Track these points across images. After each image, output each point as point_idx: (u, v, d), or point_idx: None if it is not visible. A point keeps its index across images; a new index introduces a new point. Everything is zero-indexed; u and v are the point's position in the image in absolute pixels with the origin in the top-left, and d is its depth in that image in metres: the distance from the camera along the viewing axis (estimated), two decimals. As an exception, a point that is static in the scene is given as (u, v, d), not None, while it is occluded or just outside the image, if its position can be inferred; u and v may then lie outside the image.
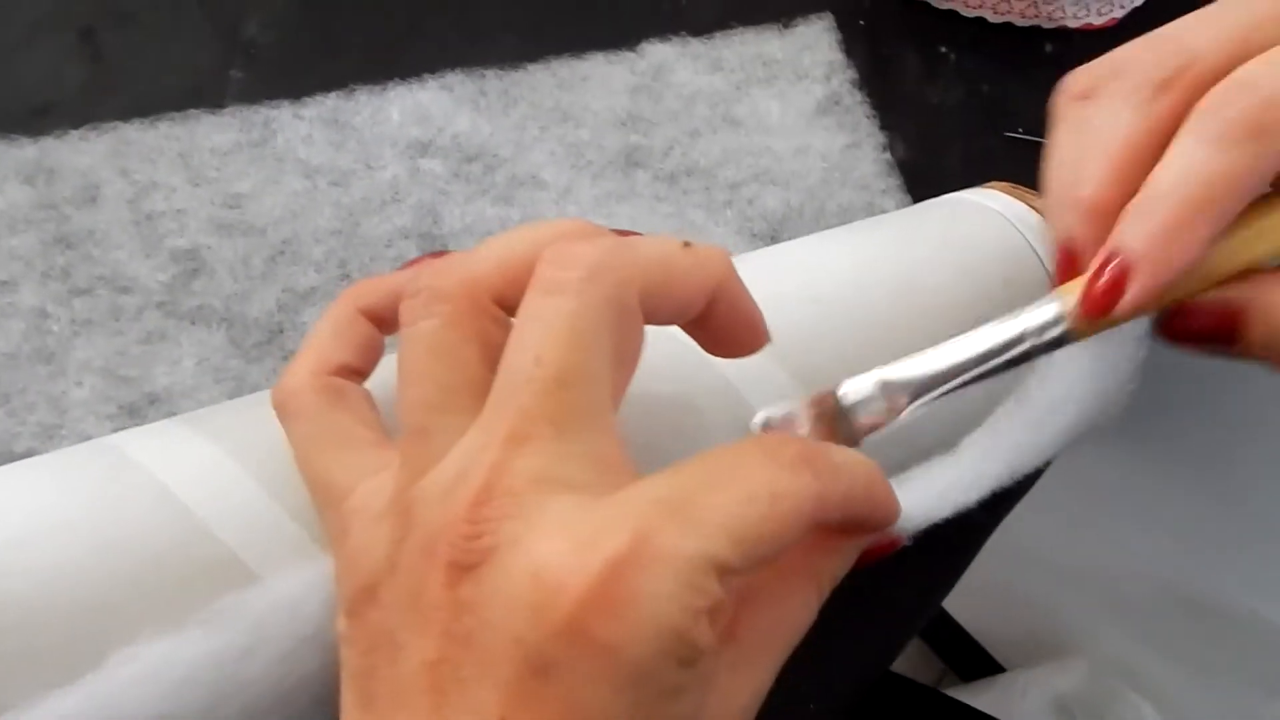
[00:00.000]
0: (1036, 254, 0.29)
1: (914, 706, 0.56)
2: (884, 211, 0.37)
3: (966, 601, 0.85)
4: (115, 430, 0.30)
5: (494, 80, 0.37)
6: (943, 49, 0.41)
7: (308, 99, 0.35)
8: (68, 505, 0.22)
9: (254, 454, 0.23)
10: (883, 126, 0.39)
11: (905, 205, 0.38)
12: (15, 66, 0.34)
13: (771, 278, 0.27)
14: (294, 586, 0.22)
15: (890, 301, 0.27)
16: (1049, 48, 0.41)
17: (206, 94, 0.35)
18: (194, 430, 0.23)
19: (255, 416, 0.23)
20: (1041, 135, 0.40)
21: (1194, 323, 0.23)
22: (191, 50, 0.36)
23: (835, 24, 0.41)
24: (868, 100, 0.39)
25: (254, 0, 0.37)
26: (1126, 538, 0.66)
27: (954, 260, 0.29)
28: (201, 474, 0.23)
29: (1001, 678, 0.81)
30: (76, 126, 0.33)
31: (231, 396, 0.31)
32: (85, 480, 0.23)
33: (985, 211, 0.30)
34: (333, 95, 0.35)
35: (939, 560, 0.34)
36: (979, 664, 0.88)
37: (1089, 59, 0.25)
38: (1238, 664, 0.65)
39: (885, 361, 0.23)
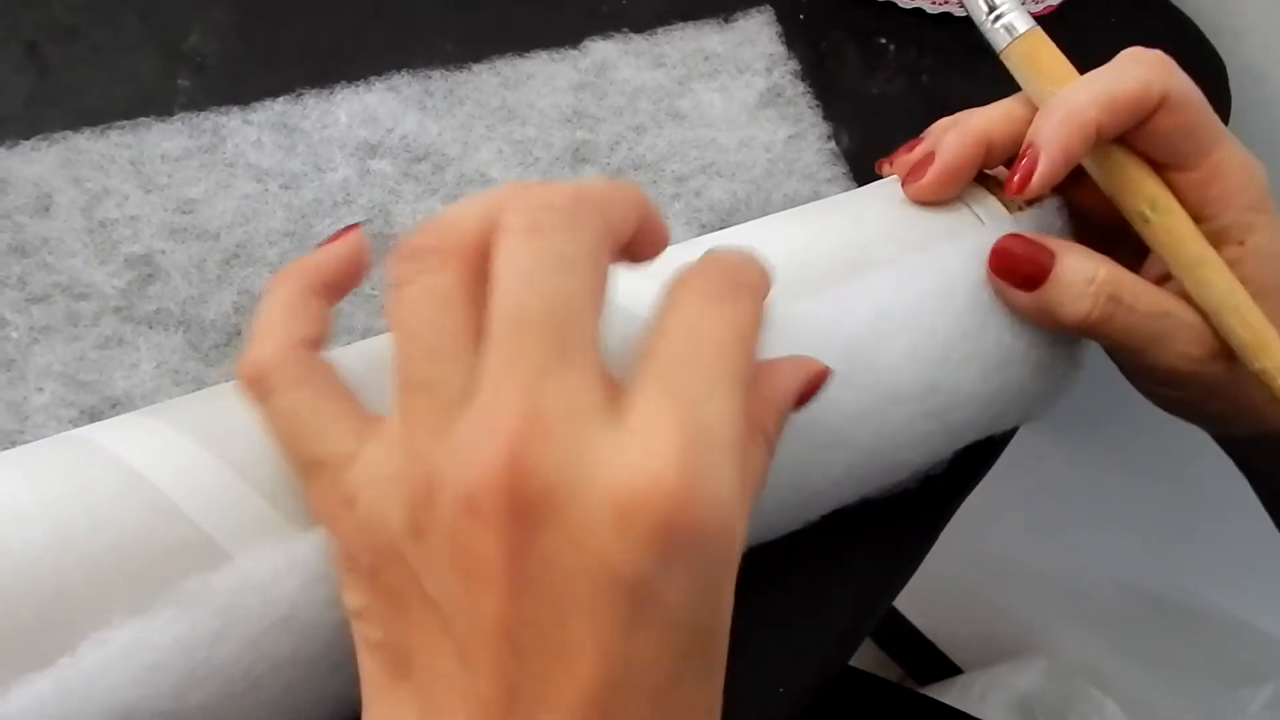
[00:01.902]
0: (977, 216, 0.30)
1: (881, 702, 0.57)
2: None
3: (923, 605, 0.86)
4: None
5: (439, 81, 0.38)
6: (882, 40, 0.42)
7: (256, 104, 0.36)
8: (36, 492, 0.22)
9: (221, 437, 0.23)
10: (826, 117, 0.40)
11: (840, 190, 0.39)
12: (-38, 80, 0.35)
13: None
14: (264, 567, 0.22)
15: (838, 270, 0.28)
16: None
17: (154, 104, 0.35)
18: (159, 419, 0.23)
19: (220, 404, 0.23)
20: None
21: (1015, 247, 0.28)
22: (136, 62, 0.36)
23: (775, 17, 0.42)
24: (810, 91, 0.40)
25: (195, 12, 0.38)
26: (1085, 538, 0.67)
27: (900, 232, 0.30)
28: (169, 458, 0.23)
29: (959, 679, 0.82)
30: (26, 138, 0.34)
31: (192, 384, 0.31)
32: (53, 468, 0.23)
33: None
34: (280, 100, 0.36)
35: (903, 533, 0.35)
36: (935, 666, 0.88)
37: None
38: (1199, 657, 0.66)
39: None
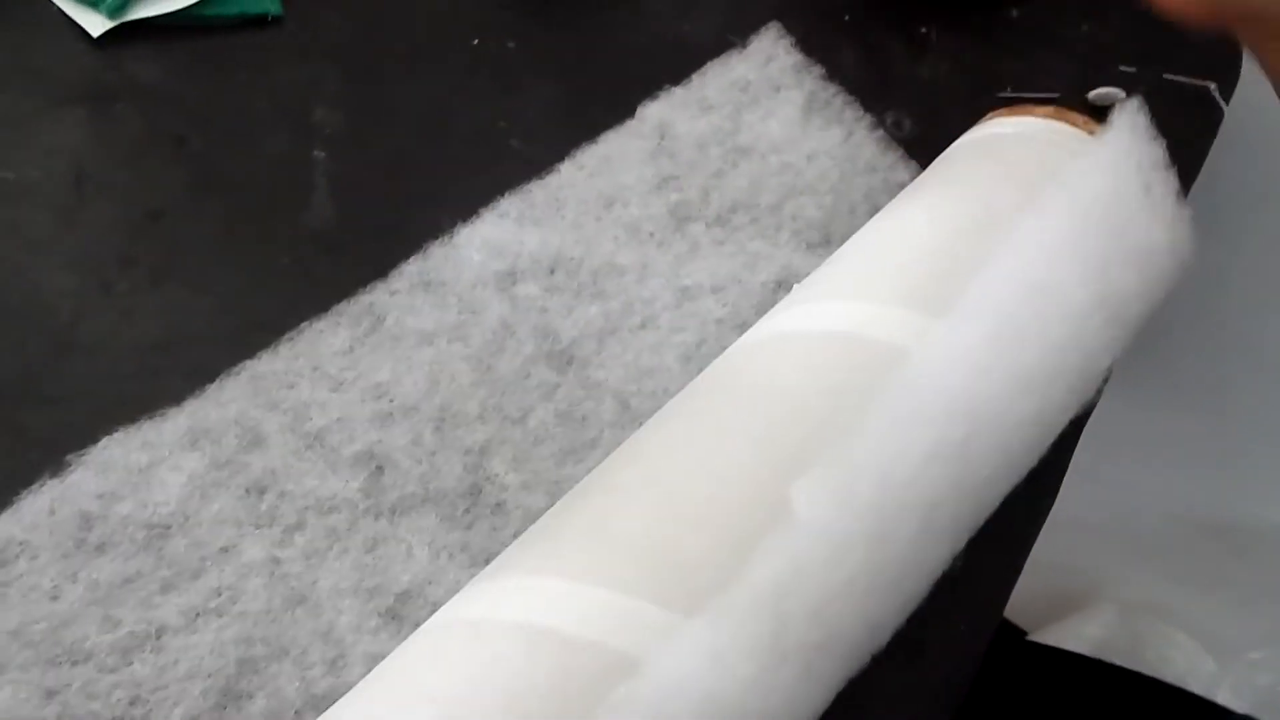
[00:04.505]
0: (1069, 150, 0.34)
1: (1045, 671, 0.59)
2: (901, 185, 0.42)
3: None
4: (390, 638, 0.32)
5: (537, 192, 0.39)
6: (923, 29, 0.46)
7: (392, 273, 0.37)
8: (462, 685, 0.25)
9: (574, 567, 0.26)
10: (866, 110, 0.43)
11: (914, 172, 0.42)
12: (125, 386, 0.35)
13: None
14: (671, 659, 0.25)
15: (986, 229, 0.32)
16: (1014, 13, 0.47)
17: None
18: (505, 577, 0.27)
19: (547, 543, 0.27)
20: (1028, 92, 0.45)
21: None
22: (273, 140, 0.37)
23: (784, 30, 0.45)
24: (841, 90, 0.44)
25: (291, 216, 0.38)
26: (1135, 479, 0.69)
27: (1010, 182, 0.34)
28: (542, 599, 0.26)
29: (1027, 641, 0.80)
30: (211, 378, 0.34)
31: (468, 566, 0.33)
32: (455, 660, 0.25)
33: (1011, 138, 0.36)
34: (412, 261, 0.37)
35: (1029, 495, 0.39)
36: (1001, 634, 0.91)
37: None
38: (1264, 577, 0.70)
39: None
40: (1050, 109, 0.36)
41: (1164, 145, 0.33)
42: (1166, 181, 0.33)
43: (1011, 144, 0.36)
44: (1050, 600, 0.81)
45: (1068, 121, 0.35)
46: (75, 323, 0.35)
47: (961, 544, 0.31)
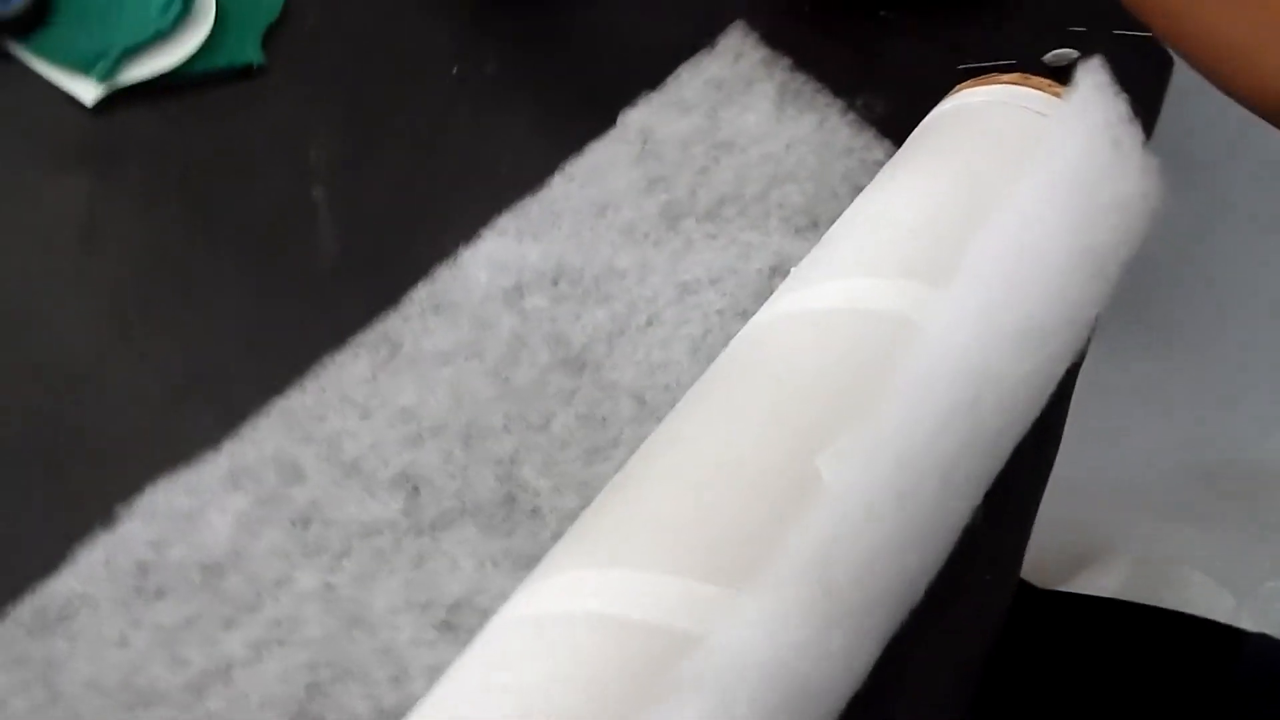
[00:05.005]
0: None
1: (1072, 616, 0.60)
2: (877, 163, 0.44)
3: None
4: (448, 648, 0.33)
5: (533, 206, 0.41)
6: (881, 13, 0.47)
7: (403, 300, 0.38)
8: (530, 674, 0.26)
9: (624, 556, 0.28)
10: (836, 95, 0.45)
11: (889, 151, 0.44)
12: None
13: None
14: (730, 633, 0.26)
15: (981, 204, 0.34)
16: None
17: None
18: (559, 572, 0.28)
19: (591, 542, 0.29)
20: (987, 62, 0.47)
21: None
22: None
23: (749, 27, 0.46)
24: (809, 79, 0.45)
25: (299, 253, 0.39)
26: (1129, 431, 0.71)
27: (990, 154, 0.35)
28: (600, 589, 0.27)
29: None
30: (246, 409, 0.35)
31: (512, 572, 0.34)
32: (520, 651, 0.27)
33: (981, 107, 0.37)
34: (421, 285, 0.38)
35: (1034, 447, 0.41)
36: (1019, 591, 0.93)
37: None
38: (1268, 512, 0.72)
39: None
40: (1015, 75, 0.38)
41: (1127, 99, 0.35)
42: (1133, 134, 0.35)
43: (983, 113, 0.37)
44: (1062, 559, 0.83)
45: (1033, 86, 0.37)
46: (100, 374, 0.36)
47: (979, 498, 0.32)
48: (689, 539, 0.28)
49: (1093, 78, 0.35)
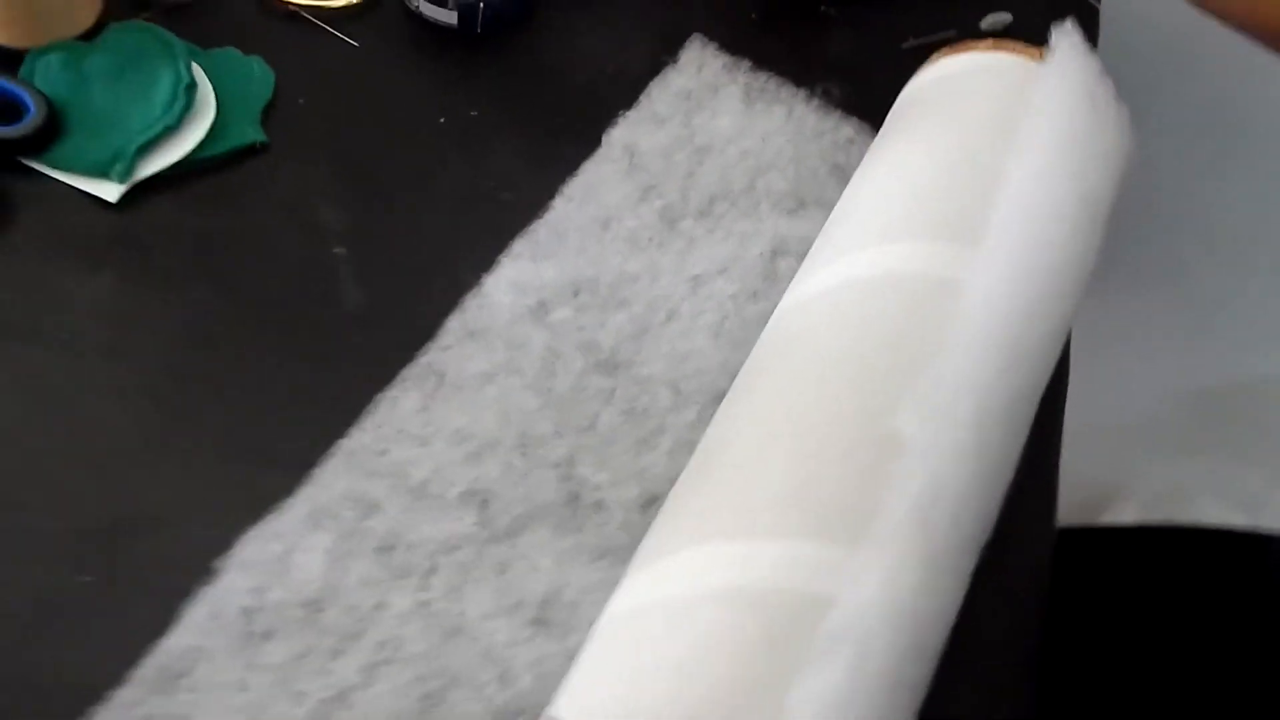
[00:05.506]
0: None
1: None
2: (848, 139, 0.47)
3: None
4: (545, 641, 0.35)
5: (541, 229, 0.43)
6: (823, 8, 0.51)
7: (438, 333, 0.40)
8: (678, 652, 0.28)
9: (741, 528, 0.30)
10: (798, 86, 0.48)
11: (857, 127, 0.47)
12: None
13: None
14: (857, 593, 0.28)
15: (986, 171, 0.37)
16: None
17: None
18: (668, 556, 0.30)
19: (701, 520, 0.31)
20: (925, 36, 0.50)
21: None
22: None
23: (706, 39, 0.49)
24: (770, 75, 0.48)
25: (330, 308, 0.41)
26: (1123, 372, 0.73)
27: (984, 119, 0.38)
28: (727, 562, 0.29)
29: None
30: (301, 460, 0.37)
31: (589, 564, 0.36)
32: (658, 634, 0.29)
33: (962, 75, 0.40)
34: (453, 317, 0.41)
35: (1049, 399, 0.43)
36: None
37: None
38: (1271, 428, 0.74)
39: None
40: (989, 42, 0.41)
41: (1098, 57, 0.38)
42: (1108, 89, 0.38)
43: (966, 80, 0.40)
44: (1072, 505, 0.86)
45: (1007, 50, 0.40)
46: (157, 455, 0.37)
47: (1025, 440, 0.35)
48: (799, 506, 0.30)
49: (1068, 39, 0.38)
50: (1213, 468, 0.79)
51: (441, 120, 0.46)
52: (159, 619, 0.34)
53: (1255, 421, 0.78)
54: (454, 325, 0.41)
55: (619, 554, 0.37)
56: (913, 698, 0.29)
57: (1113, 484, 0.84)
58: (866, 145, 0.46)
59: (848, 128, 0.47)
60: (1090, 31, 0.55)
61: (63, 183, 0.42)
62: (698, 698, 0.27)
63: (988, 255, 0.34)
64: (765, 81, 0.48)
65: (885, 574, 0.29)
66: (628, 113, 0.47)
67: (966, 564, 0.31)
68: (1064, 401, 0.46)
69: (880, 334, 0.33)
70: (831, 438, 0.31)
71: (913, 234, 0.35)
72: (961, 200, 0.35)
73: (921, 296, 0.33)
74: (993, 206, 0.35)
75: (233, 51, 0.46)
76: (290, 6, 0.48)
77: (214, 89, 0.44)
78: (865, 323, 0.33)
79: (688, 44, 0.49)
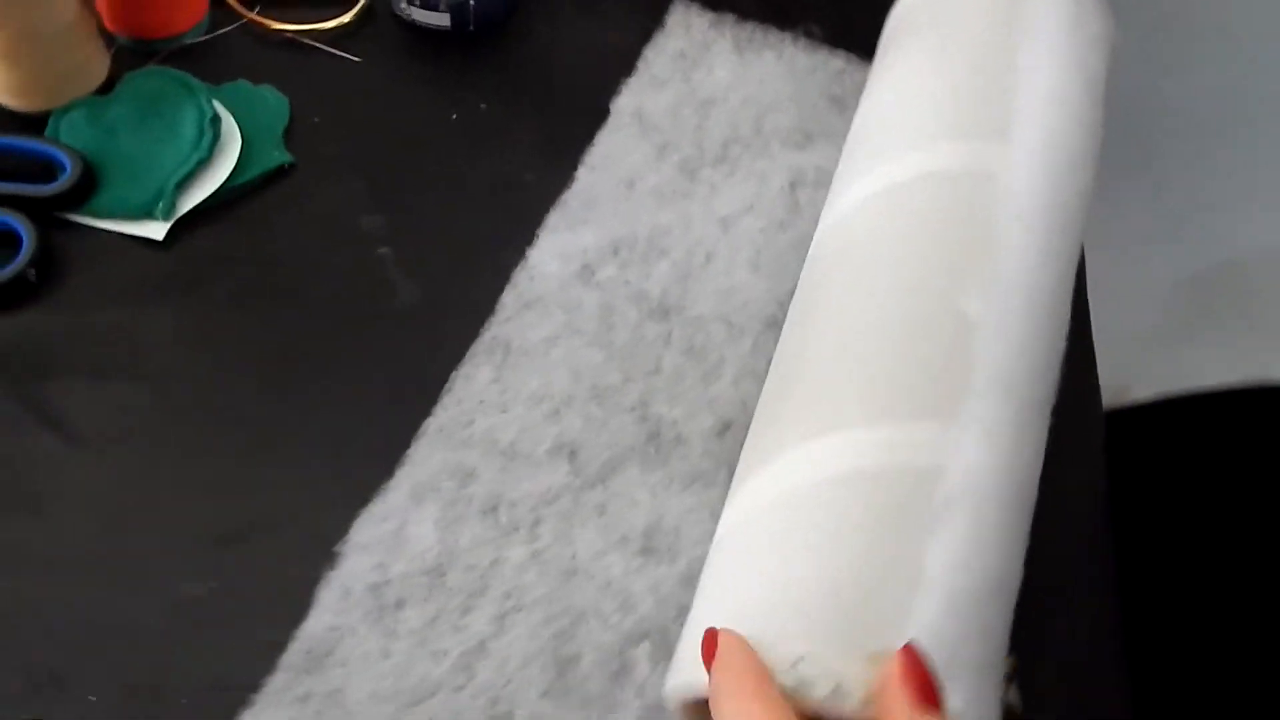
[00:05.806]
0: None
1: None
2: (839, 70, 0.49)
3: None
4: (655, 566, 0.37)
5: (572, 199, 0.45)
6: None
7: (496, 307, 0.42)
8: (809, 537, 0.30)
9: (848, 417, 0.32)
10: (783, 30, 0.50)
11: (846, 58, 0.50)
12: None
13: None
14: (963, 459, 0.30)
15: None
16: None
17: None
18: (774, 457, 0.32)
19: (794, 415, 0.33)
20: None
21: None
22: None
23: (688, 1, 0.52)
24: (755, 23, 0.51)
25: (387, 307, 0.43)
26: (1125, 265, 0.75)
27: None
28: (834, 451, 0.31)
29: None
30: (395, 466, 0.39)
31: (681, 492, 0.38)
32: (781, 526, 0.31)
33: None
34: (507, 292, 0.42)
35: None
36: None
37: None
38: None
39: None
40: None
41: None
42: None
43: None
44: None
45: None
46: (258, 457, 0.39)
47: (1069, 317, 0.37)
48: (890, 391, 0.32)
49: None
50: (1227, 345, 0.81)
51: (454, 117, 0.48)
52: (292, 610, 0.35)
53: (1265, 299, 0.80)
54: (509, 299, 0.42)
55: (706, 478, 0.39)
56: (1022, 547, 0.31)
57: (1122, 386, 0.87)
58: (858, 74, 0.48)
59: (837, 60, 0.50)
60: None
61: (108, 230, 0.43)
62: (841, 570, 0.28)
63: (1015, 148, 0.36)
64: (752, 31, 0.51)
65: (982, 439, 0.31)
66: (629, 80, 0.49)
67: (1044, 424, 0.33)
68: (1085, 294, 0.48)
69: (933, 227, 0.35)
70: (908, 324, 0.33)
71: (944, 135, 0.37)
72: (983, 96, 0.37)
73: (964, 190, 0.35)
74: (1013, 99, 0.37)
75: (244, 83, 0.48)
76: (286, 34, 0.50)
77: (235, 120, 0.46)
78: (918, 218, 0.35)
79: (671, 9, 0.52)
